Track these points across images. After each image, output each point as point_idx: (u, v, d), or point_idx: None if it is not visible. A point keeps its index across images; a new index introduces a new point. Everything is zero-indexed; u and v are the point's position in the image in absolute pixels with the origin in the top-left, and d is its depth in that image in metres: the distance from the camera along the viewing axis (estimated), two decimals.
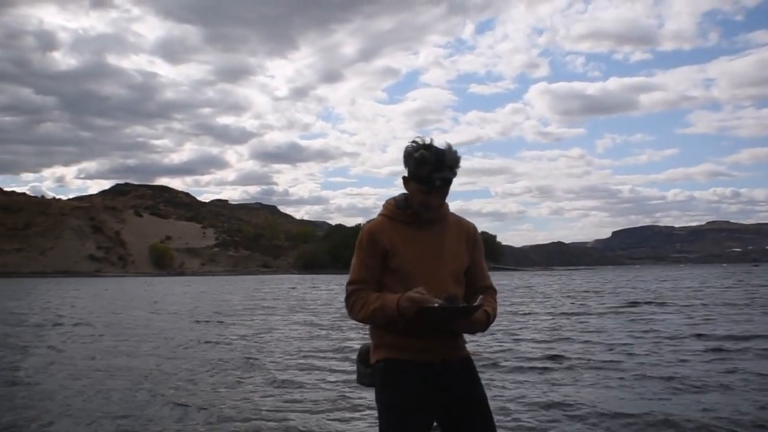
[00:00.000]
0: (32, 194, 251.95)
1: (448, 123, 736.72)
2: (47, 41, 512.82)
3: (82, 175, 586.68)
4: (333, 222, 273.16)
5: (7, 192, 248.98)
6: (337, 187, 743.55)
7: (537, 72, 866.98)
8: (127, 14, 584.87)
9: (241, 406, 6.58)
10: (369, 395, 5.06)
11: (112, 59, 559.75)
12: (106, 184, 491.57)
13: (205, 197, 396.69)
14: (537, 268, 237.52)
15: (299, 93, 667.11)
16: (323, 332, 14.00)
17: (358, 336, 12.51)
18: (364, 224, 2.60)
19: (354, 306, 2.45)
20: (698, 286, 35.89)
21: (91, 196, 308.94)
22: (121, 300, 31.94)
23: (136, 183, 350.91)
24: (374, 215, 2.63)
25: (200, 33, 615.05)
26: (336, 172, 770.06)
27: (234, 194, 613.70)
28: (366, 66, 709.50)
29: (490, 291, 2.60)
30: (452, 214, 2.62)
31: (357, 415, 6.13)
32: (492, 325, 2.54)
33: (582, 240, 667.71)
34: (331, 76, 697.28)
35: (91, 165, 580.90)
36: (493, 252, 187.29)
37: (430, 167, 2.39)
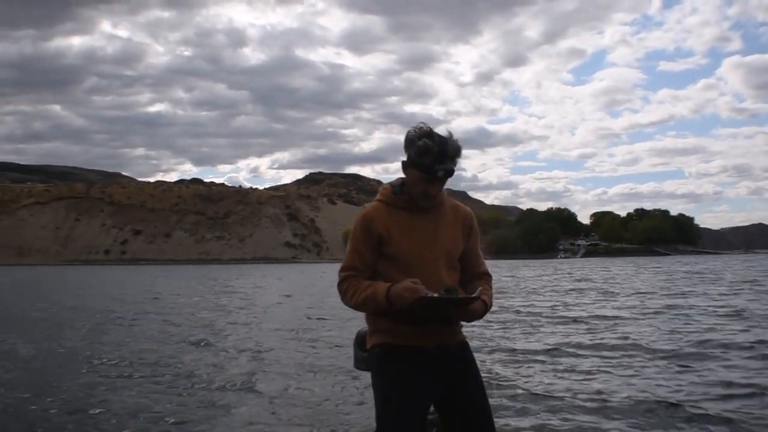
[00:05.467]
0: (230, 184, 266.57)
1: (638, 102, 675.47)
2: (237, 38, 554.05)
3: (275, 165, 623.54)
4: (523, 207, 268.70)
5: (207, 183, 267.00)
6: (526, 171, 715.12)
7: (729, 45, 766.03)
8: (312, 8, 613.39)
9: None
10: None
11: (300, 52, 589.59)
12: (298, 174, 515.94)
13: None
14: (736, 251, 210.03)
15: (484, 78, 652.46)
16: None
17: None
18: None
19: (346, 293, 2.45)
20: None
21: (285, 185, 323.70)
22: None
23: (328, 172, 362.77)
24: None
25: (384, 23, 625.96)
26: (525, 156, 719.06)
27: None
28: (550, 48, 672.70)
29: (486, 277, 2.60)
30: (449, 199, 2.60)
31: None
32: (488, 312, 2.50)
33: None
34: (516, 60, 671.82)
35: (283, 155, 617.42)
36: (690, 235, 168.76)
37: (433, 157, 2.37)
